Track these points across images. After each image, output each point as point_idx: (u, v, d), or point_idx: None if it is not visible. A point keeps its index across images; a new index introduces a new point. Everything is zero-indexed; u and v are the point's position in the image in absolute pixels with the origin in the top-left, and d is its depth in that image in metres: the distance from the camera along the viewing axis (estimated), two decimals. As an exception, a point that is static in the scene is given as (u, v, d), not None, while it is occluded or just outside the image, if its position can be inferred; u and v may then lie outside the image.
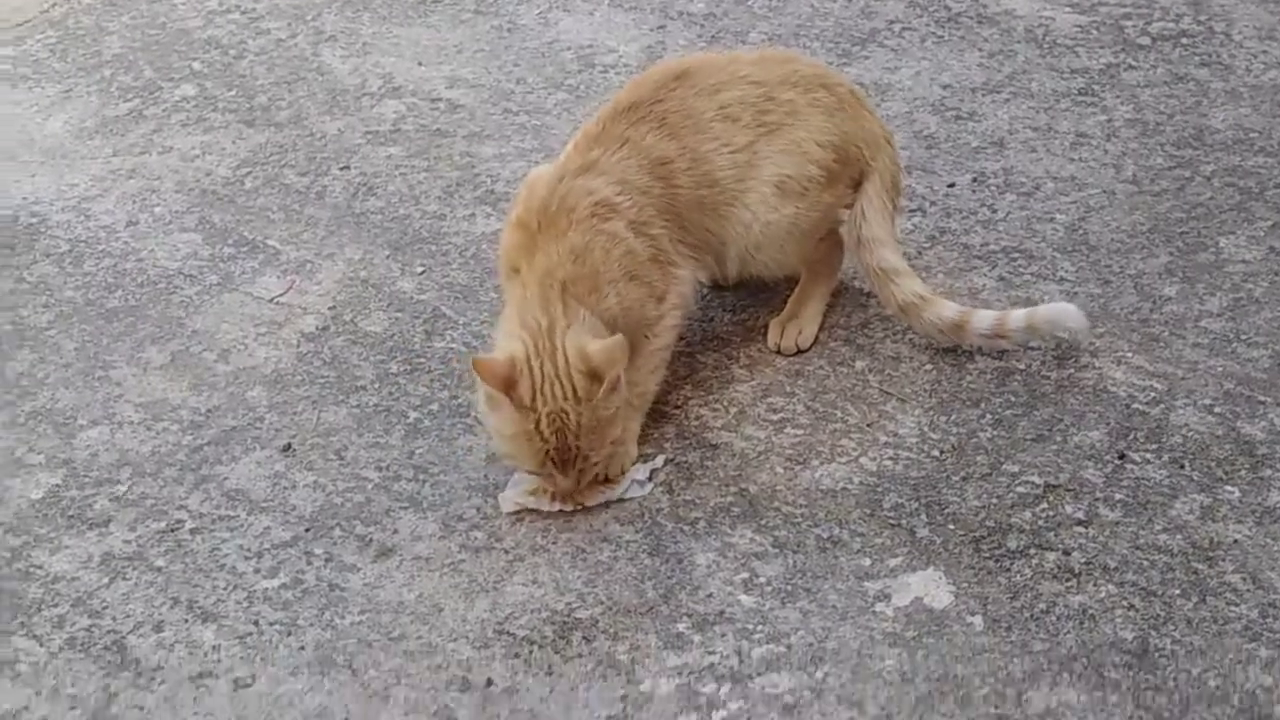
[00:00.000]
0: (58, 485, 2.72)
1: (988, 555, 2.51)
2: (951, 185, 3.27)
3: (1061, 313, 2.81)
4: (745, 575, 2.50)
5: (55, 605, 2.51)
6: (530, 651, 2.40)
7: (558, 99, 3.58)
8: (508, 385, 2.52)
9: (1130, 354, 2.85)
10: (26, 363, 2.96)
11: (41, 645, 2.45)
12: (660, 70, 2.93)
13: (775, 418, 2.78)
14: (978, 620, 2.41)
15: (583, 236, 2.67)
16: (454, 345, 2.95)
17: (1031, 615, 2.41)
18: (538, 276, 2.62)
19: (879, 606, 2.44)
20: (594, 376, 2.53)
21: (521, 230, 2.69)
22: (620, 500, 2.64)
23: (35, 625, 2.48)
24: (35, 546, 2.61)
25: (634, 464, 2.68)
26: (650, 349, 2.76)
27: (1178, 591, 2.43)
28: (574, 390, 2.52)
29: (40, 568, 2.57)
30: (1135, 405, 2.75)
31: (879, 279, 2.89)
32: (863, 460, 2.69)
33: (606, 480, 2.65)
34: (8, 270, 3.17)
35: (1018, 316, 2.81)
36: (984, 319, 2.82)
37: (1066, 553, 2.50)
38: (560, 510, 2.61)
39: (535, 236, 2.67)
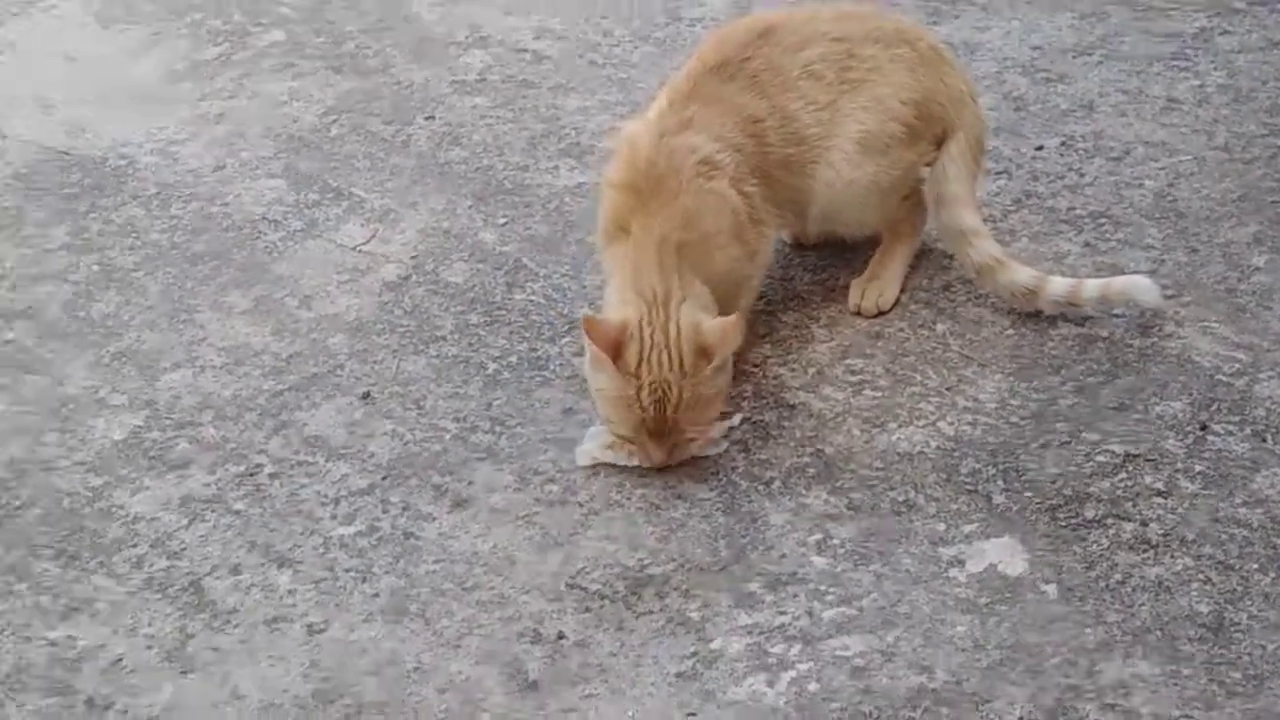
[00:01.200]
0: (139, 426, 2.75)
1: (1064, 524, 2.50)
2: (1039, 148, 3.24)
3: (1136, 286, 2.79)
4: (819, 537, 2.50)
5: (134, 545, 2.54)
6: (602, 606, 2.42)
7: (644, 52, 3.57)
8: (615, 349, 2.52)
9: (1216, 324, 2.82)
10: (112, 304, 2.99)
11: (120, 584, 2.48)
12: (744, 27, 2.92)
13: (853, 379, 2.77)
14: (1052, 589, 2.40)
15: (693, 198, 2.67)
16: (534, 298, 2.96)
17: (1106, 586, 2.40)
18: (654, 241, 2.61)
19: (952, 572, 2.44)
20: (704, 353, 2.53)
21: (629, 192, 2.69)
22: (698, 457, 2.63)
23: (114, 564, 2.51)
24: (116, 487, 2.64)
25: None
26: (738, 308, 2.75)
27: (1255, 566, 2.41)
28: (681, 363, 2.52)
29: (121, 508, 2.60)
30: (1219, 376, 2.72)
31: (956, 239, 2.87)
32: (941, 424, 2.68)
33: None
34: (96, 211, 3.19)
35: (1091, 286, 2.79)
36: (1058, 286, 2.80)
37: (1144, 524, 2.49)
38: (653, 465, 2.60)
39: (645, 198, 2.66)
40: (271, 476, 2.65)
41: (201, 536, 2.55)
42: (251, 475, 2.65)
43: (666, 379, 2.52)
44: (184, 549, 2.53)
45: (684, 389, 2.52)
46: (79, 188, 3.26)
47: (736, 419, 2.69)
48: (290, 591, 2.46)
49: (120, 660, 2.37)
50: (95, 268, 3.07)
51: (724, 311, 2.68)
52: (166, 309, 2.97)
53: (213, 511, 2.59)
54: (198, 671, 2.35)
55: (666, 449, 2.57)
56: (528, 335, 2.88)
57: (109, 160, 3.33)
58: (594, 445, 2.65)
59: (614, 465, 2.63)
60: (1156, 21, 3.56)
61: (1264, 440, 2.61)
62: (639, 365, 2.52)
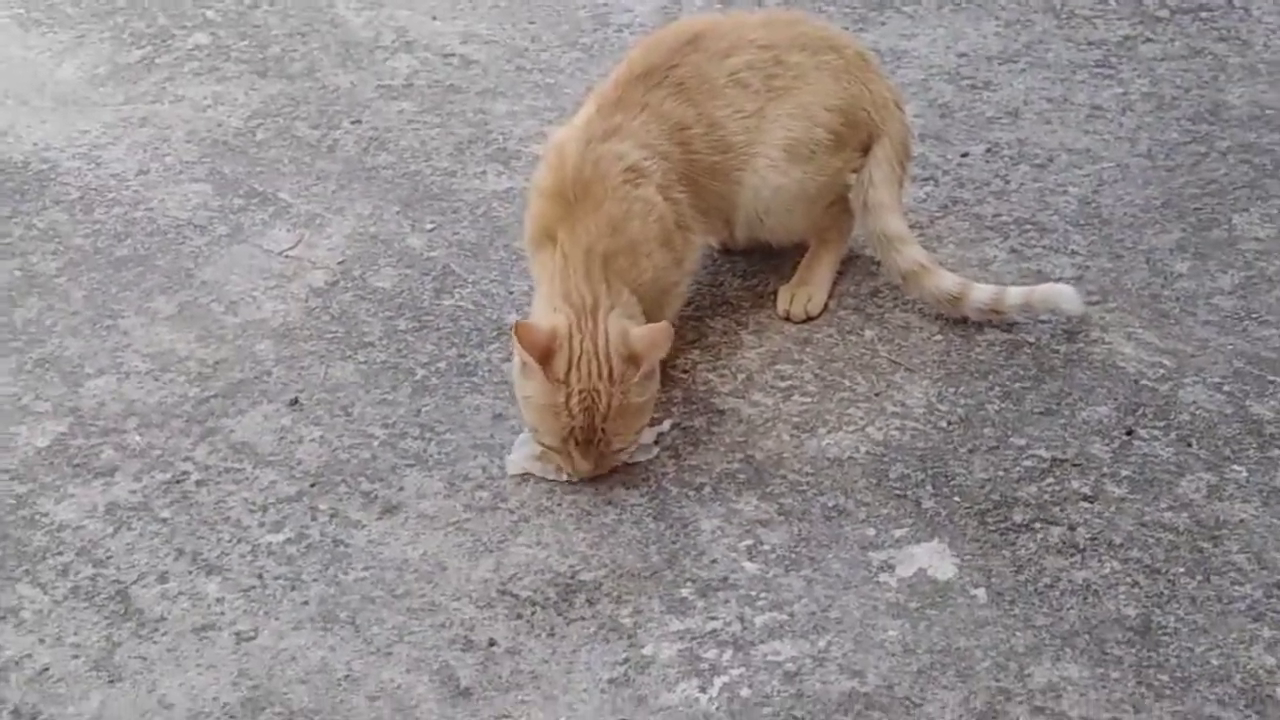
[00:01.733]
0: (64, 433, 2.72)
1: (992, 528, 2.51)
2: (965, 155, 3.26)
3: (1059, 294, 2.81)
4: (750, 542, 2.51)
5: (60, 554, 2.52)
6: (533, 613, 2.41)
7: (572, 57, 3.57)
8: (545, 356, 2.51)
9: (1140, 330, 2.85)
10: (35, 310, 2.96)
11: (45, 593, 2.45)
12: (671, 34, 2.92)
13: (783, 385, 2.78)
14: (981, 593, 2.42)
15: (620, 205, 2.67)
16: (463, 304, 2.95)
17: (1035, 590, 2.42)
18: (581, 250, 2.62)
19: (883, 577, 2.45)
20: (633, 360, 2.53)
21: (557, 200, 2.68)
22: (628, 463, 2.63)
23: (39, 573, 2.48)
24: (41, 494, 2.61)
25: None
26: (666, 315, 2.74)
27: (1182, 570, 2.44)
28: (610, 371, 2.52)
29: (45, 515, 2.58)
30: (1144, 382, 2.75)
31: (882, 245, 2.88)
32: (869, 430, 2.69)
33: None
34: (17, 217, 3.16)
35: (1015, 294, 2.82)
36: (982, 293, 2.82)
37: (1071, 528, 2.51)
38: (580, 476, 2.60)
39: (572, 206, 2.66)
40: (198, 484, 2.63)
41: (128, 544, 2.53)
42: (178, 482, 2.63)
43: (596, 387, 2.51)
44: (110, 557, 2.51)
45: (613, 397, 2.52)
46: None
47: (666, 425, 2.70)
48: (219, 599, 2.44)
49: (47, 669, 2.35)
50: (17, 273, 3.03)
51: (652, 318, 2.68)
52: (90, 315, 2.95)
53: (139, 519, 2.57)
54: (125, 680, 2.33)
55: (593, 459, 2.56)
56: (456, 341, 2.88)
57: (30, 164, 3.30)
58: (522, 455, 2.64)
59: (545, 477, 2.62)
60: (1080, 29, 3.60)
61: (1189, 445, 2.64)
62: (568, 372, 2.52)
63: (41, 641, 2.38)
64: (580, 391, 2.51)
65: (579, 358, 2.52)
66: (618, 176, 2.70)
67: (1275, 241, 3.03)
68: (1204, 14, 3.62)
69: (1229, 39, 3.55)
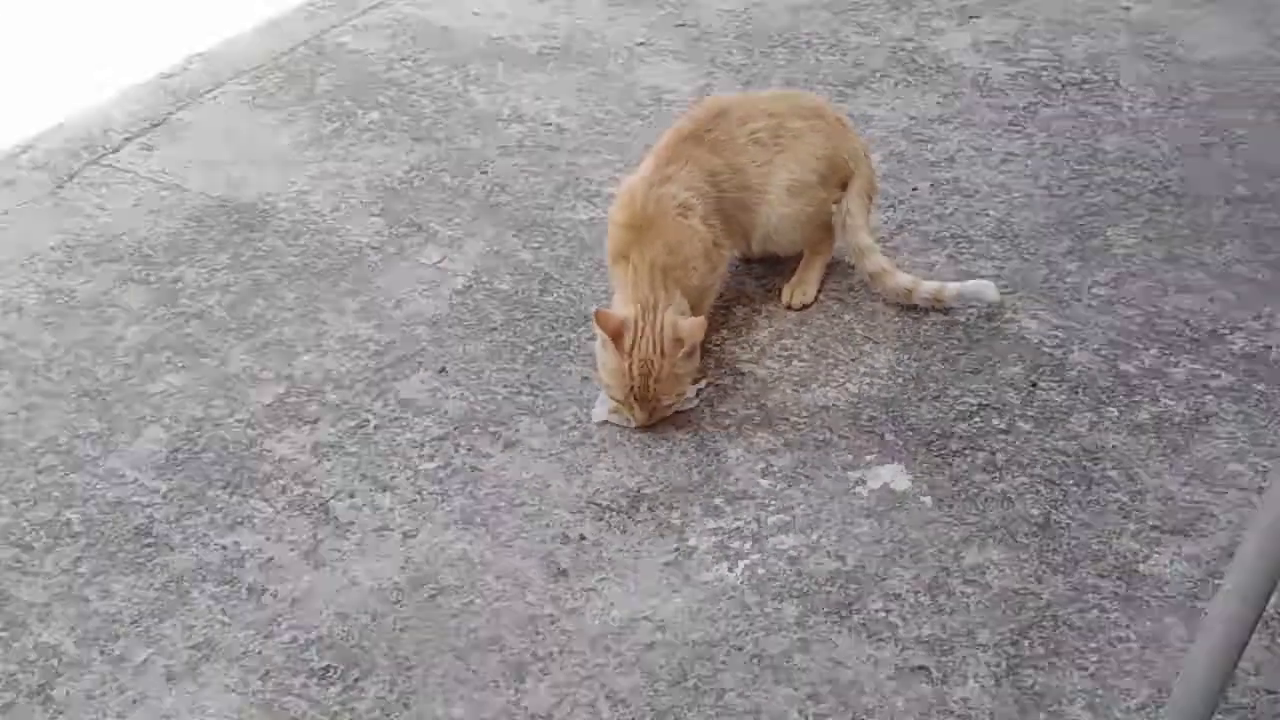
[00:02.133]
0: (282, 393, 2.74)
1: (936, 454, 2.50)
2: (914, 189, 3.23)
3: (982, 288, 2.79)
4: (762, 465, 2.50)
5: (280, 478, 2.54)
6: (611, 516, 2.42)
7: (634, 125, 3.55)
8: (616, 335, 2.52)
9: (1041, 312, 2.82)
10: (261, 307, 2.98)
11: (270, 505, 2.48)
12: (706, 107, 2.90)
13: (785, 354, 2.77)
14: (928, 500, 2.41)
15: (674, 233, 2.66)
16: (559, 299, 2.95)
17: (966, 497, 2.41)
18: (646, 264, 2.61)
19: (857, 489, 2.44)
20: (679, 343, 2.53)
21: (628, 229, 2.67)
22: (677, 411, 2.63)
23: (266, 492, 2.51)
24: (266, 437, 2.64)
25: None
26: (704, 305, 2.75)
27: (1071, 481, 2.42)
28: (661, 349, 2.51)
29: (270, 451, 2.60)
30: (1043, 349, 2.73)
31: (856, 255, 2.86)
32: (848, 385, 2.67)
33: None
34: (248, 242, 3.18)
35: (951, 288, 2.79)
36: (927, 288, 2.79)
37: (992, 453, 2.49)
38: (639, 424, 2.59)
39: (639, 233, 2.65)
40: (375, 428, 2.64)
41: (327, 470, 2.55)
42: (361, 427, 2.64)
43: (650, 359, 2.51)
44: (315, 480, 2.53)
45: (663, 368, 2.52)
46: (236, 225, 3.25)
47: (704, 383, 2.68)
48: (390, 509, 2.46)
49: (272, 559, 2.37)
50: (249, 282, 3.06)
51: (695, 309, 2.68)
52: (299, 310, 2.96)
53: (335, 453, 2.58)
54: (326, 566, 2.35)
55: (647, 411, 2.55)
56: (555, 326, 2.87)
57: (257, 205, 3.31)
58: (602, 408, 2.63)
59: (616, 423, 2.62)
60: (998, 98, 3.56)
61: (1076, 393, 2.61)
62: (632, 349, 2.52)
63: (268, 539, 2.41)
64: (640, 361, 2.51)
65: (641, 339, 2.52)
66: (672, 211, 2.69)
67: (1137, 246, 2.99)
68: (1085, 86, 3.58)
69: (1103, 104, 3.50)
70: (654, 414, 2.57)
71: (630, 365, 2.52)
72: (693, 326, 2.56)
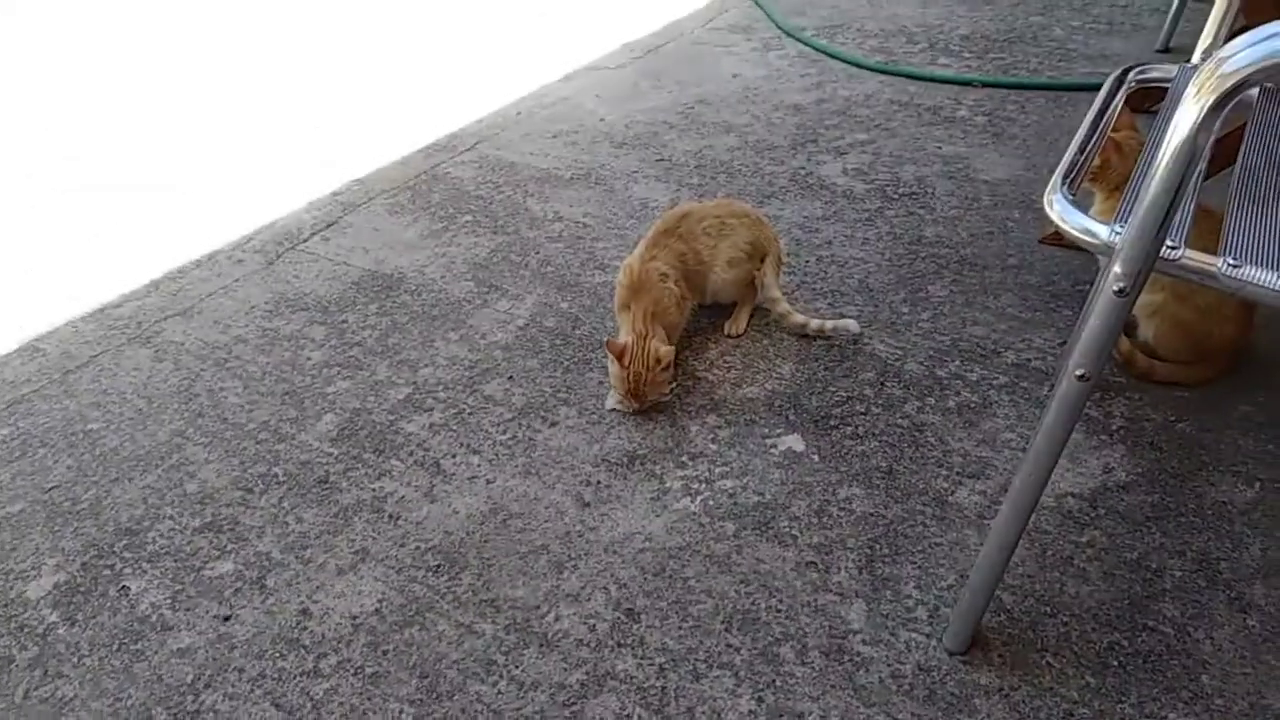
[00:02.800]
0: (410, 392, 2.73)
1: (821, 428, 2.49)
2: (806, 262, 3.22)
3: (849, 324, 2.76)
4: (712, 435, 2.50)
5: (407, 446, 2.53)
6: (616, 469, 2.41)
7: (631, 223, 3.55)
8: (620, 356, 2.51)
9: (887, 338, 2.81)
10: (395, 339, 2.97)
11: (401, 463, 2.47)
12: (676, 212, 2.88)
13: (726, 365, 2.76)
14: (815, 457, 2.40)
15: (658, 291, 2.66)
16: (585, 332, 2.93)
17: (840, 455, 2.40)
18: (640, 311, 2.61)
19: (771, 451, 2.43)
20: (659, 361, 2.52)
21: (628, 289, 2.67)
22: (657, 401, 2.62)
23: (400, 454, 2.50)
24: (399, 420, 2.63)
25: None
26: (674, 336, 2.73)
27: (906, 445, 2.41)
28: (648, 364, 2.51)
29: (402, 429, 2.59)
30: (889, 361, 2.72)
31: (769, 303, 2.84)
32: (766, 385, 2.67)
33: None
34: (389, 298, 3.18)
35: (830, 324, 2.77)
36: (815, 324, 2.77)
37: (857, 428, 2.48)
38: (633, 410, 2.58)
39: (635, 292, 2.65)
40: (470, 413, 2.63)
41: (438, 440, 2.54)
42: (459, 413, 2.63)
43: (641, 370, 2.50)
44: (431, 447, 2.52)
45: (648, 376, 2.51)
46: (380, 287, 3.24)
47: (675, 385, 2.68)
48: (479, 465, 2.45)
49: (403, 498, 2.37)
50: (388, 321, 3.05)
51: (669, 339, 2.67)
52: (419, 340, 2.95)
53: (444, 429, 2.57)
54: (437, 502, 2.35)
55: (639, 402, 2.54)
56: (583, 349, 2.86)
57: (393, 275, 3.31)
58: (611, 399, 2.63)
59: (619, 410, 2.62)
60: (858, 203, 3.54)
61: (909, 389, 2.60)
62: (630, 363, 2.51)
63: (401, 484, 2.40)
64: (634, 372, 2.50)
65: (635, 358, 2.51)
66: (656, 278, 2.68)
67: (946, 297, 2.97)
68: (913, 195, 3.57)
69: (925, 207, 3.50)
70: (643, 404, 2.56)
71: (628, 374, 2.51)
72: (668, 351, 2.55)
